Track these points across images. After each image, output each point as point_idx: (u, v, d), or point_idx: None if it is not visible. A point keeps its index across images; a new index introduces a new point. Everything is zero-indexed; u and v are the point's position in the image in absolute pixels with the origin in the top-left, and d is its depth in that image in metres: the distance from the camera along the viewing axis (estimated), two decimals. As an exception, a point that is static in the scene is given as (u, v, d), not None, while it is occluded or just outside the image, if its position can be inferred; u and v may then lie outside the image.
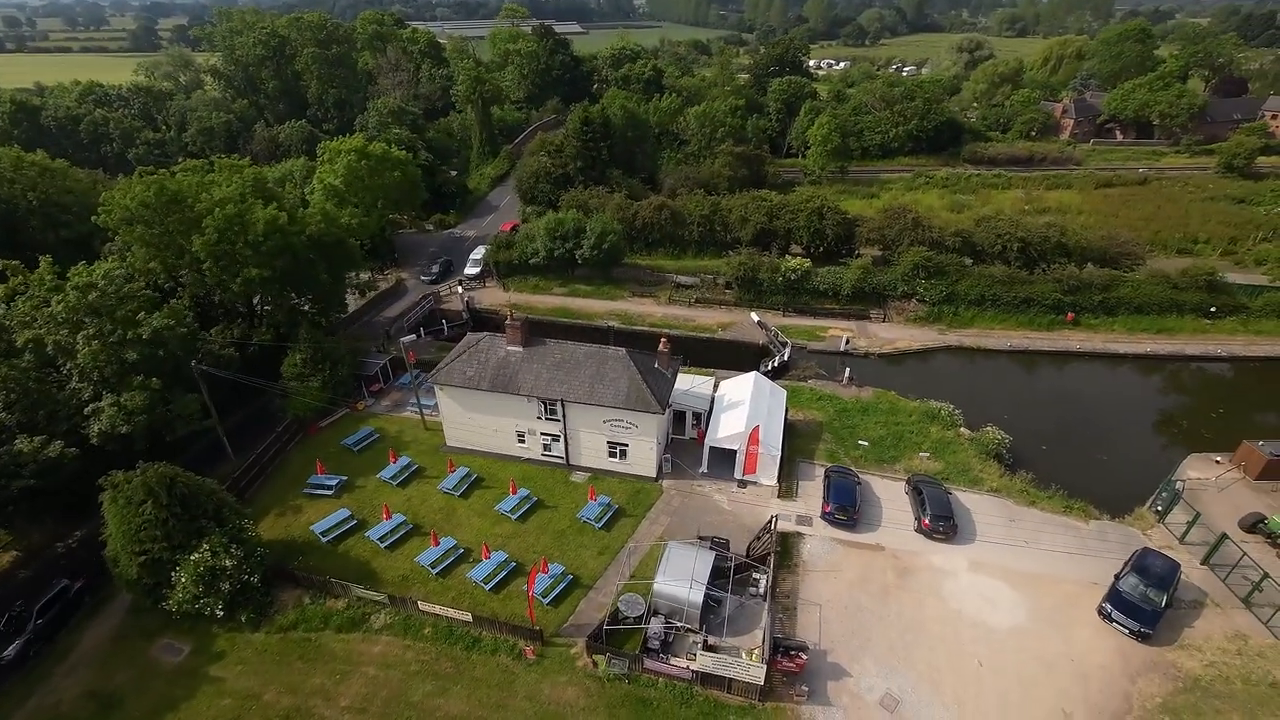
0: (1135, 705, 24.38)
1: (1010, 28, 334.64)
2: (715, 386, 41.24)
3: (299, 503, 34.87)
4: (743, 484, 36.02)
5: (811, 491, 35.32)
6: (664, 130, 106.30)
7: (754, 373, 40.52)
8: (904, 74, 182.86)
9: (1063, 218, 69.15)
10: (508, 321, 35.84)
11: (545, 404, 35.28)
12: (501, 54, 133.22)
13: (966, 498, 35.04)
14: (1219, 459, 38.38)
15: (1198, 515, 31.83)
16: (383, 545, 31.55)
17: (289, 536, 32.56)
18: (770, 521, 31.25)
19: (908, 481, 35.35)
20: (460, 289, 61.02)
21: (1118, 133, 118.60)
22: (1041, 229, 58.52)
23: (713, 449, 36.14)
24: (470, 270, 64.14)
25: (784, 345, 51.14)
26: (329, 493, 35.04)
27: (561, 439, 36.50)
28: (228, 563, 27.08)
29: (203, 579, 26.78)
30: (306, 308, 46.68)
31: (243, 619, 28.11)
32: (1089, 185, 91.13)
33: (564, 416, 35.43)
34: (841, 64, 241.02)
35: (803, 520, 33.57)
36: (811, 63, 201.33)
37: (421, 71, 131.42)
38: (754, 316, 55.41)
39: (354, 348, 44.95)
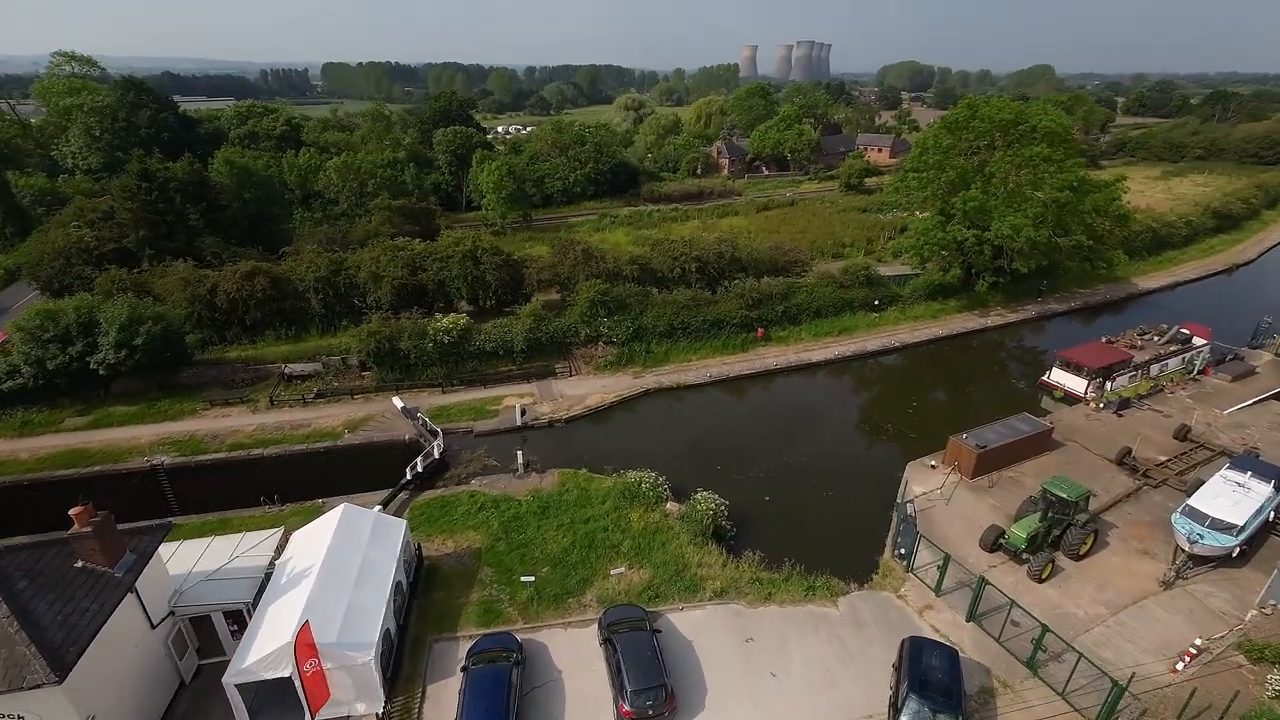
0: None
1: (668, 98, 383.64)
2: (281, 545, 24.31)
3: None
4: (319, 730, 19.47)
5: (448, 700, 20.32)
6: (311, 193, 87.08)
7: (340, 506, 24.57)
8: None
9: (734, 237, 67.75)
10: None
11: None
12: (60, 112, 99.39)
13: (685, 620, 23.58)
14: (933, 463, 33.69)
15: (947, 558, 24.63)
16: None
17: None
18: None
19: (600, 627, 22.58)
20: None
21: (763, 168, 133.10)
22: (714, 245, 54.20)
23: (244, 687, 18.95)
24: (-113, 420, 37.16)
25: (434, 435, 36.37)
26: None
27: None
28: None
29: None
30: None
31: None
32: (752, 210, 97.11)
33: None
34: (527, 129, 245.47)
35: (424, 778, 18.30)
36: (500, 128, 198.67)
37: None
38: (398, 402, 39.76)
39: None
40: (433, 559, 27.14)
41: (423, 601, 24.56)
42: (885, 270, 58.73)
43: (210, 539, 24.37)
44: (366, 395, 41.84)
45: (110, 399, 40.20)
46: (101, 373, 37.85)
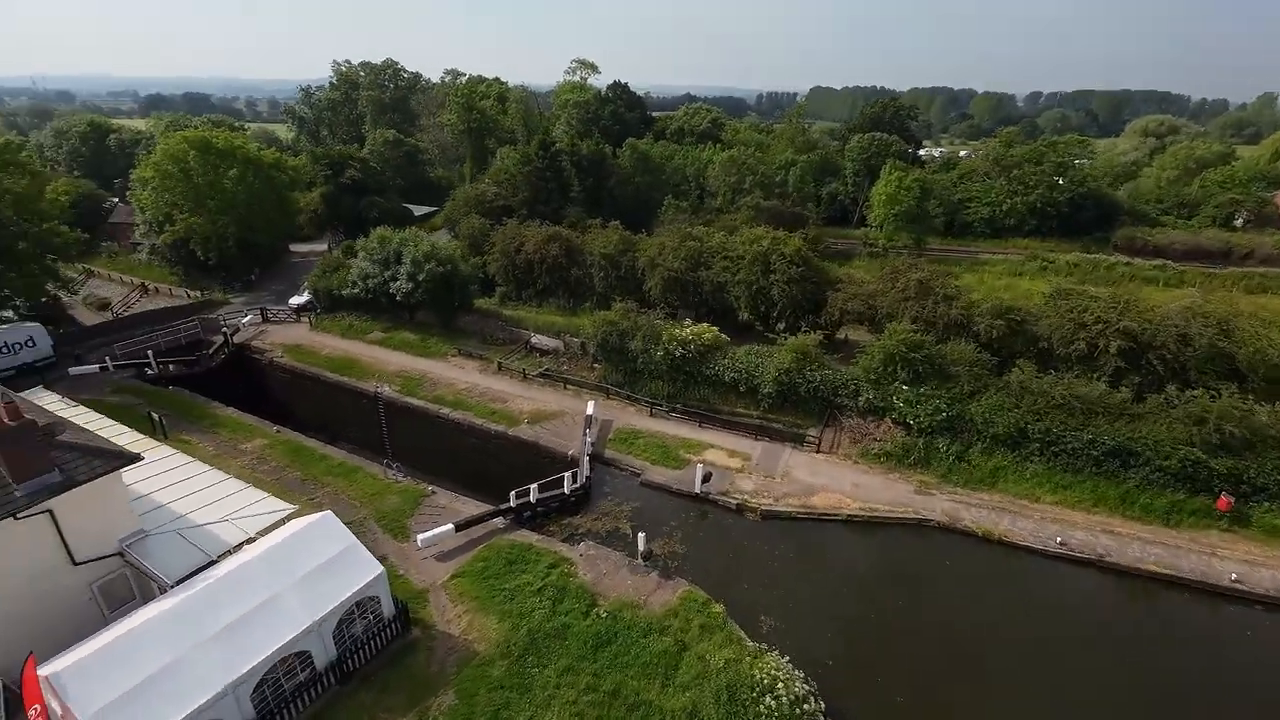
0: None
1: (1237, 133, 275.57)
2: (271, 528, 19.66)
3: None
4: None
5: None
6: (704, 188, 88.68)
7: (321, 514, 18.38)
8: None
9: (1236, 314, 37.32)
10: None
11: None
12: (560, 106, 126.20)
13: None
14: None
15: None
16: None
17: None
18: None
19: None
20: (246, 319, 45.34)
21: (1387, 230, 79.18)
22: (1178, 314, 30.06)
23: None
24: (297, 299, 48.66)
25: (587, 460, 27.94)
26: None
27: None
28: None
29: None
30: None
31: None
32: (1320, 289, 57.29)
33: None
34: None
35: None
36: (963, 152, 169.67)
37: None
38: (590, 409, 32.63)
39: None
40: (432, 633, 19.05)
41: (341, 692, 16.77)
42: None
43: (245, 486, 21.59)
44: (579, 389, 36.17)
45: (410, 325, 44.63)
46: (398, 299, 41.75)
